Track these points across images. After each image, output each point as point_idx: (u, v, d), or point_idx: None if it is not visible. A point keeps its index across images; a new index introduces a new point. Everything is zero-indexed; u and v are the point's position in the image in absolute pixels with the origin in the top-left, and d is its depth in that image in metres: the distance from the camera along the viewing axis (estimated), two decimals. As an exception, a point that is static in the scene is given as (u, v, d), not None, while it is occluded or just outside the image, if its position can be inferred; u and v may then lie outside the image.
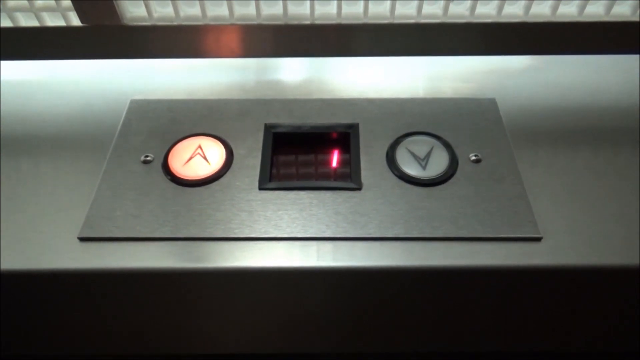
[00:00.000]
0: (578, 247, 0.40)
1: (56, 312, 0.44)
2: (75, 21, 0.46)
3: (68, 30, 0.46)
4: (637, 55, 0.52)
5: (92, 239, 0.40)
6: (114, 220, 0.41)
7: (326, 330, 0.48)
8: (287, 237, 0.40)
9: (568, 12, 0.45)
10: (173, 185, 0.44)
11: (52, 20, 0.46)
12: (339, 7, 0.45)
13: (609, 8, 0.45)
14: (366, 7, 0.45)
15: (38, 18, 0.46)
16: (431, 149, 0.46)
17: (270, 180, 0.44)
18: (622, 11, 0.45)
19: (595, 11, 0.45)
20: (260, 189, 0.43)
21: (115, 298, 0.42)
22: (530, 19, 0.45)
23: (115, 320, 0.45)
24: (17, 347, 0.48)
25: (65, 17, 0.46)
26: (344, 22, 0.45)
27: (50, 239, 0.41)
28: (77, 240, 0.40)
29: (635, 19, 0.45)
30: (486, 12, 0.45)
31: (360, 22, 0.46)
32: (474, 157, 0.45)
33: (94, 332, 0.47)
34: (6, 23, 0.46)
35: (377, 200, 0.43)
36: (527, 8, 0.45)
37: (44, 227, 0.41)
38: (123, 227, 0.41)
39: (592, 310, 0.44)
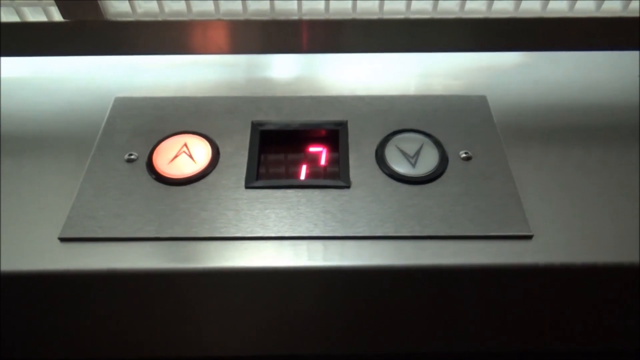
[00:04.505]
0: (569, 245, 0.39)
1: (35, 314, 0.43)
2: (57, 16, 0.45)
3: (50, 25, 0.45)
4: (629, 52, 0.52)
5: (73, 239, 0.39)
6: (96, 220, 0.40)
7: (316, 332, 0.47)
8: (274, 237, 0.40)
9: (559, 7, 0.45)
10: (157, 184, 0.43)
11: (34, 16, 0.45)
12: (327, 3, 0.44)
13: (599, 3, 0.44)
14: (354, 3, 0.44)
15: (19, 13, 0.44)
16: (421, 147, 0.45)
17: (257, 179, 0.43)
18: (613, 7, 0.45)
19: (586, 7, 0.45)
20: (247, 187, 0.43)
21: (97, 300, 0.41)
22: (520, 14, 0.45)
23: (97, 322, 0.44)
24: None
25: (46, 12, 0.45)
26: (332, 17, 0.45)
27: (30, 240, 0.40)
28: (58, 241, 0.39)
29: (627, 14, 0.45)
30: (476, 7, 0.45)
31: (349, 17, 0.45)
32: (464, 155, 0.45)
33: (75, 335, 0.45)
34: (-14, 18, 0.45)
35: (366, 198, 0.42)
36: (518, 4, 0.44)
37: (24, 227, 0.40)
38: (105, 227, 0.40)
39: (583, 308, 0.44)
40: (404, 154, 0.45)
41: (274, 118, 0.48)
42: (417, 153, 0.45)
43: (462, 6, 0.44)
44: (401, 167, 0.44)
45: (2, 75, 0.53)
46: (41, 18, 0.45)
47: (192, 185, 0.43)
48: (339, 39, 0.47)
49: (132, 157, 0.45)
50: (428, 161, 0.44)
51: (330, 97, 0.50)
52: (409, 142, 0.46)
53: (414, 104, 0.49)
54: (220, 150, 0.45)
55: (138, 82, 0.52)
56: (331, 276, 0.40)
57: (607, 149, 0.46)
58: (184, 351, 0.48)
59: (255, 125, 0.47)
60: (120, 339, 0.46)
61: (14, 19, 0.45)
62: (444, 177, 0.43)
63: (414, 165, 0.44)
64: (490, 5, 0.44)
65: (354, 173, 0.44)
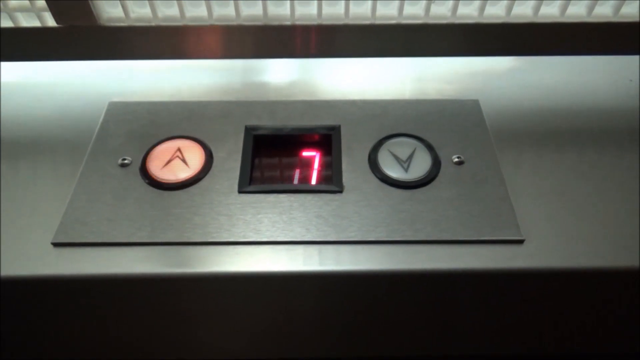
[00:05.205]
0: (560, 250, 0.40)
1: (27, 319, 0.43)
2: (51, 22, 0.45)
3: (43, 31, 0.45)
4: (620, 56, 0.52)
5: (66, 244, 0.40)
6: (89, 225, 0.40)
7: (310, 336, 0.47)
8: (266, 241, 0.40)
9: (550, 13, 0.45)
10: (151, 189, 0.43)
11: (27, 21, 0.45)
12: (320, 8, 0.44)
13: (590, 9, 0.45)
14: (347, 8, 0.44)
15: (12, 18, 0.45)
16: (413, 151, 0.45)
17: (250, 183, 0.43)
18: (604, 12, 0.45)
19: (577, 12, 0.45)
20: (240, 192, 0.43)
21: (90, 305, 0.41)
22: (512, 19, 0.45)
23: (90, 327, 0.44)
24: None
25: (40, 18, 0.45)
26: (324, 22, 0.45)
27: (23, 245, 0.40)
28: (51, 246, 0.39)
29: (617, 19, 0.45)
30: (468, 12, 0.45)
31: (341, 22, 0.45)
32: (456, 159, 0.45)
33: (67, 339, 0.46)
34: (-21, 24, 0.45)
35: (358, 203, 0.42)
36: (509, 9, 0.45)
37: (17, 232, 0.40)
38: (98, 231, 0.40)
39: (574, 312, 0.44)
40: (397, 158, 0.45)
41: (267, 122, 0.48)
42: (410, 157, 0.45)
43: (454, 11, 0.45)
44: (394, 172, 0.44)
45: (-3, 80, 0.53)
46: (35, 23, 0.45)
47: (185, 190, 0.43)
48: (332, 44, 0.47)
49: (126, 161, 0.45)
50: (420, 165, 0.44)
51: (324, 102, 0.50)
52: (402, 146, 0.46)
53: (406, 108, 0.49)
54: (214, 154, 0.45)
55: (132, 86, 0.52)
56: (323, 281, 0.40)
57: (598, 153, 0.46)
58: (176, 355, 0.48)
59: (248, 130, 0.47)
60: (112, 343, 0.46)
61: (8, 24, 0.45)
62: (436, 181, 0.43)
63: (406, 169, 0.44)
64: (482, 11, 0.45)
65: (346, 177, 0.44)
